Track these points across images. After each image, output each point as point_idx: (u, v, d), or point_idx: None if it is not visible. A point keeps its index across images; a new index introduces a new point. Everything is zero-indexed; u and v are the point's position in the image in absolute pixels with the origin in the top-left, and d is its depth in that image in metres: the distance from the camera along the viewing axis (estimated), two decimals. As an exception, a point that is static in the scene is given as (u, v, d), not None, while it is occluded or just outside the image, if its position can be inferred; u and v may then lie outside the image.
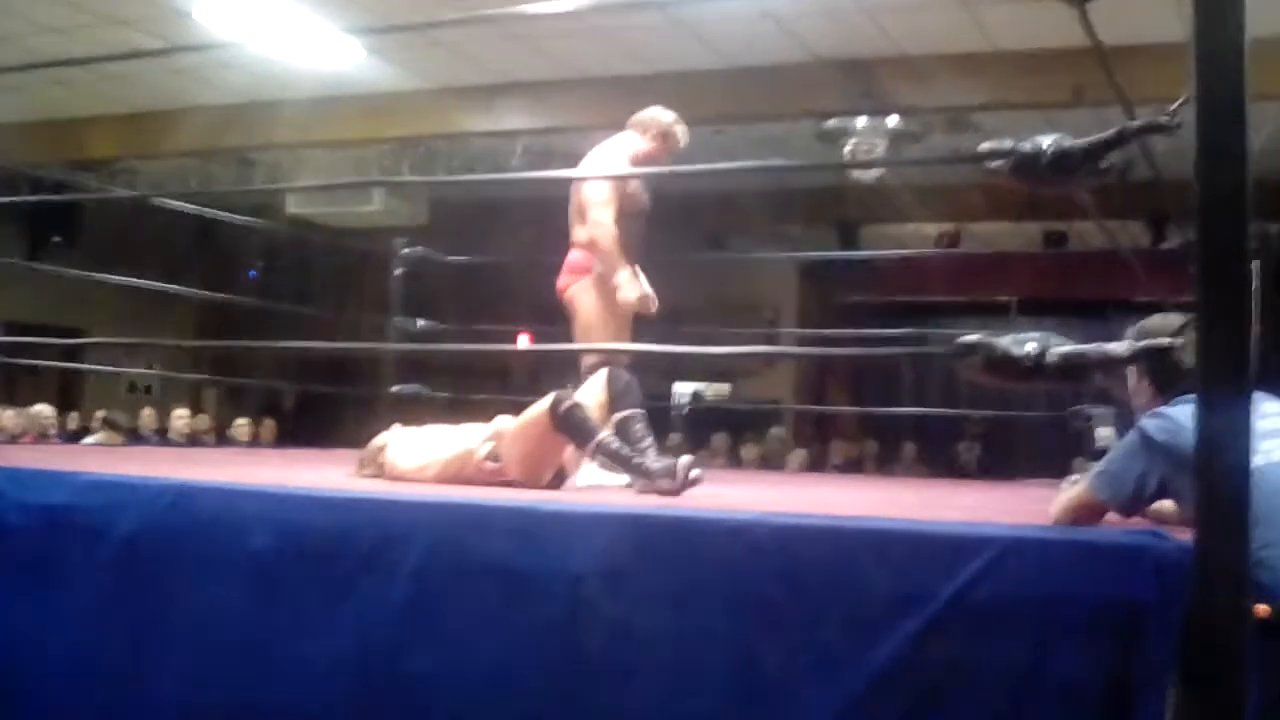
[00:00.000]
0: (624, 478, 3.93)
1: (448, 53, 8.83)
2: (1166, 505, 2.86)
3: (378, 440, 4.40)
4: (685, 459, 3.76)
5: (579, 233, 4.87)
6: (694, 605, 2.52)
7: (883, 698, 2.35)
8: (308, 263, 14.97)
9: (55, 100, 10.15)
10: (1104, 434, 3.57)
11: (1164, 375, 2.87)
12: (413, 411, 6.05)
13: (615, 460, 3.84)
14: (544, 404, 3.90)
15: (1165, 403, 2.79)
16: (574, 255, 4.87)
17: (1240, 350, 2.03)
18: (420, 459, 4.16)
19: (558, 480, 4.06)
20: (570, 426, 3.85)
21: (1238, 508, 2.02)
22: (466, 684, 2.68)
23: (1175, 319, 2.86)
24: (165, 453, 7.16)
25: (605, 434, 3.87)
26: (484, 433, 4.12)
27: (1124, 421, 3.60)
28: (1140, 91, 3.46)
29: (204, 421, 12.09)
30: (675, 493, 3.64)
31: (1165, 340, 2.55)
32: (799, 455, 11.97)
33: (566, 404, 3.86)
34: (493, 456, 3.99)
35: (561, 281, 4.88)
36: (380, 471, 4.25)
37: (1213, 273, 2.04)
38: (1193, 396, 2.08)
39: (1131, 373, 3.05)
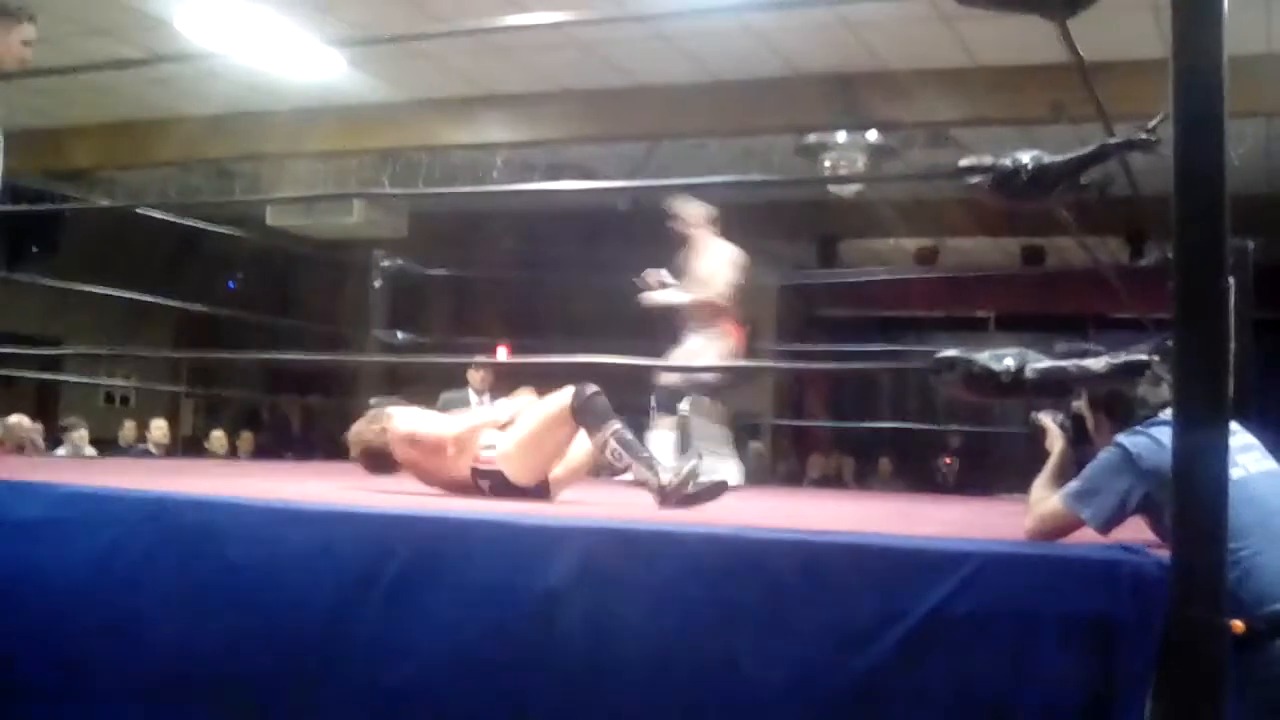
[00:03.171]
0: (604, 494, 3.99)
1: (429, 65, 8.83)
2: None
3: (379, 412, 4.41)
4: (691, 464, 3.84)
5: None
6: (672, 619, 2.51)
7: (860, 713, 2.35)
8: (287, 274, 14.95)
9: (36, 109, 10.10)
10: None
11: (1119, 409, 2.97)
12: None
13: (627, 450, 3.88)
14: (563, 393, 3.97)
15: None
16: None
17: (1218, 366, 2.04)
18: (427, 425, 4.24)
19: (543, 491, 4.10)
20: (588, 413, 3.92)
21: (1215, 523, 2.03)
22: (444, 697, 2.67)
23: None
24: (142, 465, 7.12)
25: (619, 424, 3.92)
26: (502, 412, 4.26)
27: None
28: (1119, 107, 3.48)
29: (163, 433, 11.85)
30: (684, 496, 3.72)
31: (1143, 357, 2.56)
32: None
33: (589, 392, 3.94)
34: (489, 445, 4.07)
35: None
36: (384, 434, 4.26)
37: (1190, 288, 2.05)
38: (1167, 418, 2.09)
39: (1087, 412, 3.10)
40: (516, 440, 4.05)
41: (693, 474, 3.76)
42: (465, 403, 7.98)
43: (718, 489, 3.80)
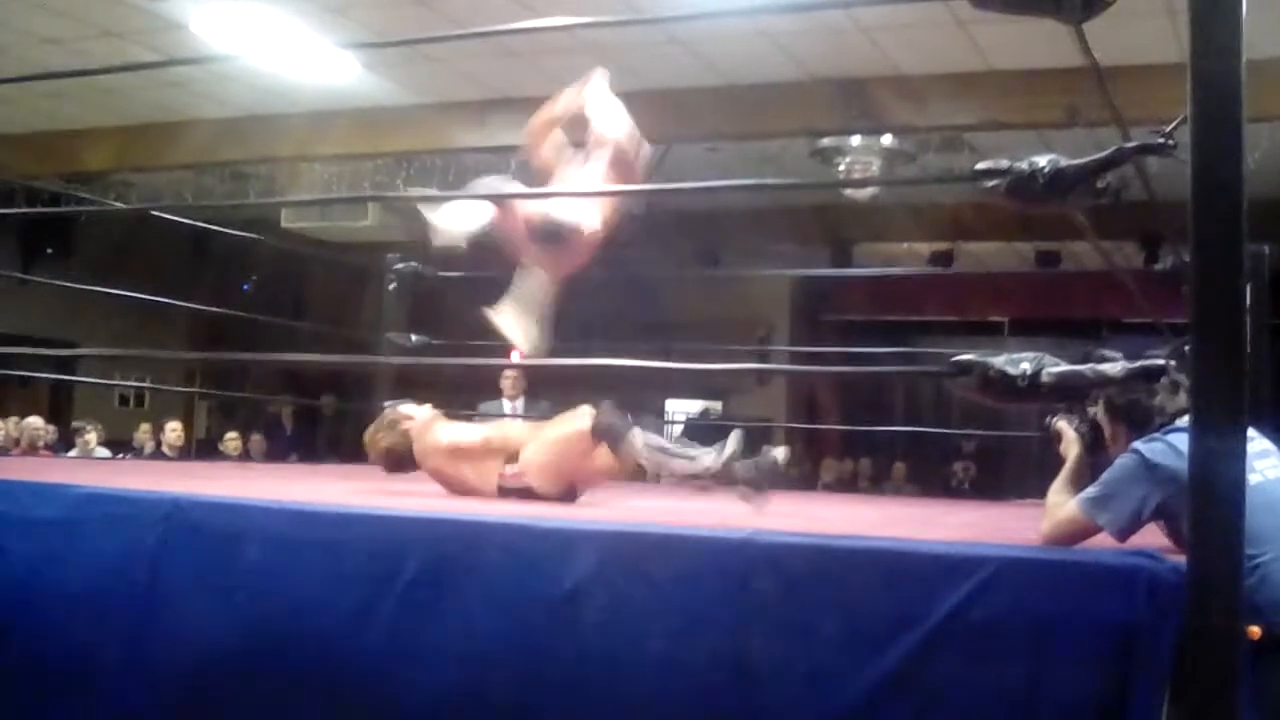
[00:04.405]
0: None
1: (442, 68, 8.83)
2: None
3: (404, 409, 4.50)
4: (732, 448, 3.78)
5: None
6: (688, 623, 2.51)
7: (876, 718, 2.35)
8: (302, 277, 14.97)
9: (50, 112, 10.14)
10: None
11: (1136, 416, 2.96)
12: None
13: (659, 453, 3.87)
14: (581, 415, 4.02)
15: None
16: None
17: (1235, 371, 2.03)
18: (458, 438, 4.31)
19: (571, 494, 4.15)
20: (607, 432, 3.94)
21: (1232, 529, 2.02)
22: (459, 700, 2.67)
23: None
24: (158, 466, 7.13)
25: (638, 430, 3.93)
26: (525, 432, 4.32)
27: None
28: (1135, 111, 3.47)
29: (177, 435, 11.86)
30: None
31: (1159, 362, 2.55)
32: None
33: (604, 412, 3.97)
34: (513, 461, 4.12)
35: None
36: (405, 439, 4.34)
37: (1207, 293, 2.04)
38: (1184, 424, 2.08)
39: (1104, 420, 3.08)
40: (541, 458, 4.09)
41: (735, 455, 3.73)
42: (501, 412, 8.05)
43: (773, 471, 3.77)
